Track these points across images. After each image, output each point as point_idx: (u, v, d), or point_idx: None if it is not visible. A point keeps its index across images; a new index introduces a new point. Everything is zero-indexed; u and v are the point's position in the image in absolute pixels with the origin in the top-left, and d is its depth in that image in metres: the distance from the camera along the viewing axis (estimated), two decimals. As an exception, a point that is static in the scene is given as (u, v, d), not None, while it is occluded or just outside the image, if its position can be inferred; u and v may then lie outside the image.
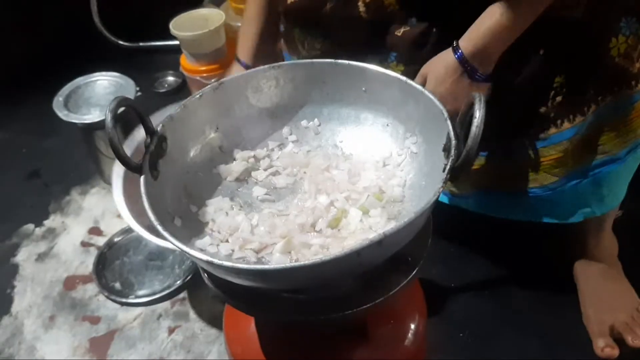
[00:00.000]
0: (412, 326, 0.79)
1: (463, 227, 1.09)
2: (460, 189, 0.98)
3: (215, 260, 0.53)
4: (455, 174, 0.57)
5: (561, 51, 0.80)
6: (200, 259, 0.53)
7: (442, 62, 0.80)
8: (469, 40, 0.77)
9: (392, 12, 0.89)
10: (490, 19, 0.75)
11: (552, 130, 0.84)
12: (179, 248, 0.54)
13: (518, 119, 0.86)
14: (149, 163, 0.62)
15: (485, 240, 1.16)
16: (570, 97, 0.82)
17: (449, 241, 1.16)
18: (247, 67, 1.05)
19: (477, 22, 0.77)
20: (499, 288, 1.11)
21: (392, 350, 0.77)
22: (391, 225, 0.58)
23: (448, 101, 0.75)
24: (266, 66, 0.74)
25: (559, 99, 0.82)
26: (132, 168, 0.60)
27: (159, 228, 0.55)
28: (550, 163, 0.87)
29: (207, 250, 0.61)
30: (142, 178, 0.60)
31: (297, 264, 0.53)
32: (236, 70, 1.06)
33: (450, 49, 0.79)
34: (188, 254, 0.54)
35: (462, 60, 0.78)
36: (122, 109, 0.59)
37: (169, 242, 0.54)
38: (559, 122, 0.84)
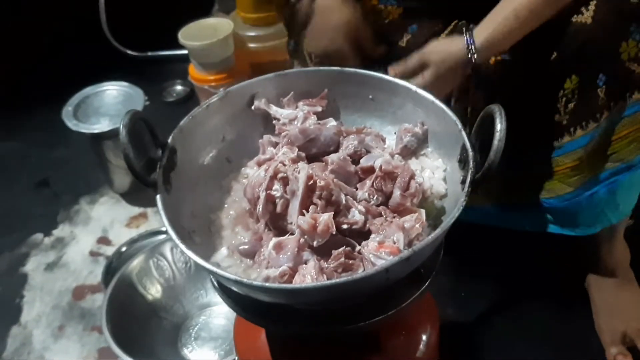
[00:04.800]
0: (424, 337, 0.78)
1: (473, 238, 1.08)
2: (474, 200, 0.97)
3: (246, 280, 0.53)
4: (476, 187, 0.57)
5: (571, 55, 0.80)
6: (231, 279, 0.53)
7: (447, 52, 0.78)
8: (483, 31, 0.76)
9: (391, 21, 0.89)
10: (505, 10, 0.75)
11: (566, 138, 0.84)
12: (207, 268, 0.54)
13: (531, 128, 0.85)
14: (162, 177, 0.62)
15: (496, 251, 1.15)
16: (582, 103, 0.82)
17: (460, 252, 1.15)
18: None
19: (492, 13, 0.77)
20: (510, 299, 1.10)
21: (403, 361, 0.77)
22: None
23: (436, 86, 0.75)
24: (271, 74, 0.74)
25: (571, 105, 0.82)
26: (148, 183, 0.60)
27: (182, 247, 0.55)
28: (565, 172, 0.87)
29: (225, 266, 0.61)
30: (158, 195, 0.60)
31: (327, 282, 0.53)
32: None
33: (457, 38, 0.78)
34: (217, 273, 0.54)
35: (470, 50, 0.76)
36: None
37: (195, 260, 0.54)
38: (572, 129, 0.83)
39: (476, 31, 0.77)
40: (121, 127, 0.57)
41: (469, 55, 0.76)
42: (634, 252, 1.07)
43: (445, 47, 0.79)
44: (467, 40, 0.76)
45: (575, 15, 0.78)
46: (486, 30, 0.77)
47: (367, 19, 0.88)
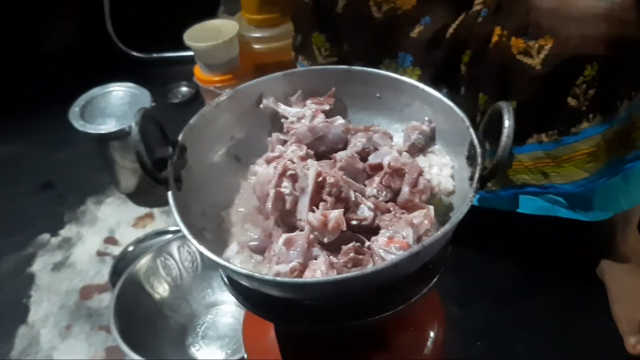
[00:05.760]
0: (432, 334, 0.78)
1: (479, 232, 1.08)
2: (494, 185, 0.98)
3: (258, 275, 0.53)
4: (484, 184, 0.57)
5: (592, 41, 0.79)
6: (243, 274, 0.53)
7: None
8: None
9: (404, 12, 0.89)
10: None
11: (584, 124, 0.84)
12: (220, 263, 0.54)
13: (548, 112, 0.86)
14: (173, 174, 0.62)
15: (503, 245, 1.15)
16: (602, 90, 0.81)
17: (465, 247, 1.16)
18: None
19: None
20: (517, 294, 1.10)
21: (411, 358, 0.77)
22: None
23: None
24: (279, 73, 0.75)
25: (590, 92, 0.81)
26: (159, 181, 0.60)
27: (194, 242, 0.55)
28: (582, 158, 0.86)
29: (236, 262, 0.61)
30: (170, 192, 0.60)
31: (338, 277, 0.53)
32: None
33: None
34: (229, 268, 0.54)
35: None
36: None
37: (208, 257, 0.55)
38: (590, 116, 0.83)
39: None
40: (133, 124, 0.58)
41: None
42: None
43: None
44: None
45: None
46: None
47: (379, 9, 0.89)
